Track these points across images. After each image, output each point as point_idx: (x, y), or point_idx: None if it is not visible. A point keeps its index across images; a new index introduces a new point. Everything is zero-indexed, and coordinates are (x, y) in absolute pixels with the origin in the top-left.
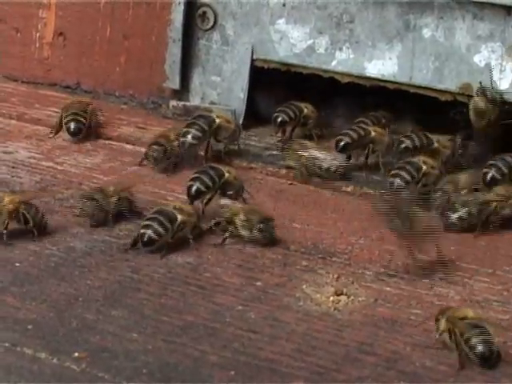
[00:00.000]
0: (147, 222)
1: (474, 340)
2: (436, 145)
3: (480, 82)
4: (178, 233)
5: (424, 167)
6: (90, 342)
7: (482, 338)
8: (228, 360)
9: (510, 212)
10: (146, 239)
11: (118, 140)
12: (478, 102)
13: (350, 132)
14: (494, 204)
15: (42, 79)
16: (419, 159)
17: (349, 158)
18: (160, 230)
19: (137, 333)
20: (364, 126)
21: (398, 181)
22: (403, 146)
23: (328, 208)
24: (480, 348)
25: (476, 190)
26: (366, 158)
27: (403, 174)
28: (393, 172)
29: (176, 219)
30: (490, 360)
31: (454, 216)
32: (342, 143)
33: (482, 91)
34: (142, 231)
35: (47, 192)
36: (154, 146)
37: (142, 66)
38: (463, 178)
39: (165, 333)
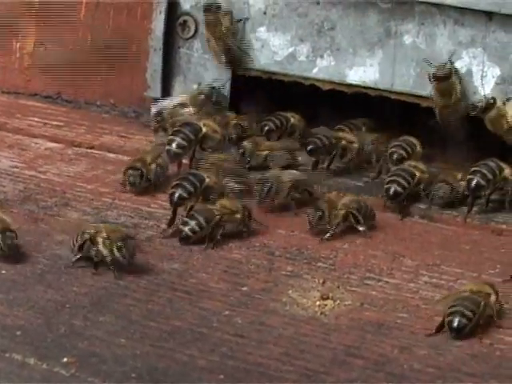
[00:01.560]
0: (185, 219)
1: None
2: (418, 148)
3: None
4: (217, 229)
5: (417, 173)
6: (79, 348)
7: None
8: (216, 364)
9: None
10: (183, 235)
11: (100, 149)
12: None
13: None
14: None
15: (23, 89)
16: (410, 165)
17: (316, 163)
18: (196, 228)
19: (125, 338)
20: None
21: (395, 186)
22: (395, 156)
23: None
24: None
25: None
26: (330, 163)
27: (400, 180)
28: (389, 179)
29: (213, 217)
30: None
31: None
32: (310, 146)
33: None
34: (180, 227)
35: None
36: (130, 171)
37: (122, 75)
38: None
39: (153, 338)
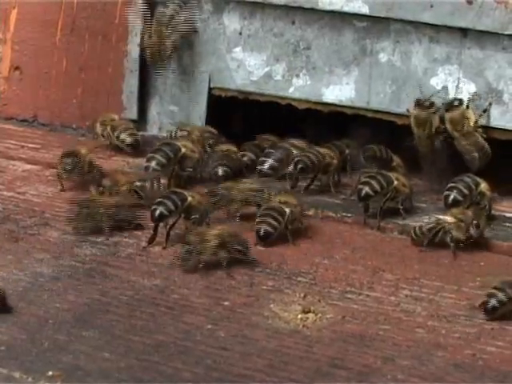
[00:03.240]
0: (261, 219)
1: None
2: (395, 163)
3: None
4: (289, 225)
5: (395, 182)
6: (63, 362)
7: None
8: (201, 376)
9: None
10: (262, 233)
11: None
12: (418, 112)
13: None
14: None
15: None
16: (392, 174)
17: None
18: (275, 223)
19: (109, 352)
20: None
21: (366, 189)
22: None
23: None
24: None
25: None
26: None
27: (373, 182)
28: (363, 180)
29: (285, 212)
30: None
31: None
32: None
33: (418, 102)
34: (258, 227)
35: None
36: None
37: (98, 97)
38: None
39: (137, 351)
